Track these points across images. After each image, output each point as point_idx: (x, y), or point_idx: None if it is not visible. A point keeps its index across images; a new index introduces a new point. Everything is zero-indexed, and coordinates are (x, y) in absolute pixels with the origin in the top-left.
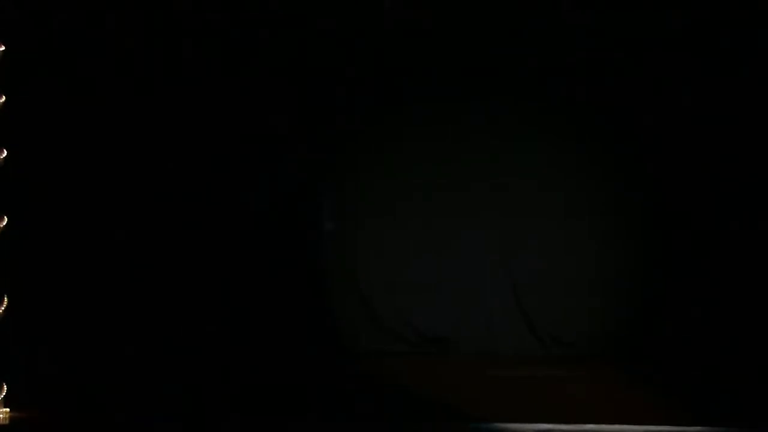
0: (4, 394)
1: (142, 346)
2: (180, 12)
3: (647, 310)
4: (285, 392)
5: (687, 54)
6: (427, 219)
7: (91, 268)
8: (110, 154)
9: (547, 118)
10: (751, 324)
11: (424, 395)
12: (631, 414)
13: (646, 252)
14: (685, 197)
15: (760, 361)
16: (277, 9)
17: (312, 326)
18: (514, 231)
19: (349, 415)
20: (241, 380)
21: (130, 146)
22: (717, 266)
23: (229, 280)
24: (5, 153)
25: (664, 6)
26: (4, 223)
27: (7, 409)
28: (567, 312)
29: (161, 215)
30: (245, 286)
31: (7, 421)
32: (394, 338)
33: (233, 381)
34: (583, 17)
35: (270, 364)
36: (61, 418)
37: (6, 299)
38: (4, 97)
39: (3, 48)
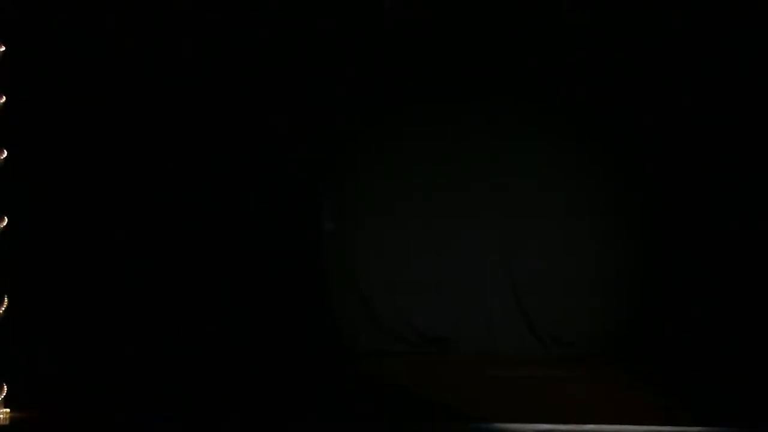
0: (4, 394)
1: (142, 346)
2: (180, 12)
3: (647, 310)
4: (285, 392)
5: (687, 54)
6: (427, 219)
7: (91, 268)
8: (110, 154)
9: (547, 118)
10: (751, 324)
11: (424, 395)
12: (631, 414)
13: (646, 252)
14: (685, 197)
15: (760, 361)
16: (277, 9)
17: (312, 326)
18: (514, 231)
19: (349, 415)
20: (241, 380)
21: (130, 146)
22: (717, 266)
23: (229, 280)
24: (5, 153)
25: (664, 6)
26: (4, 223)
27: (7, 409)
28: (567, 312)
29: (161, 215)
30: (245, 286)
31: (7, 421)
32: (394, 338)
33: (233, 381)
34: (583, 17)
35: (270, 364)
36: (61, 418)
37: (6, 299)
38: (4, 97)
39: (3, 48)
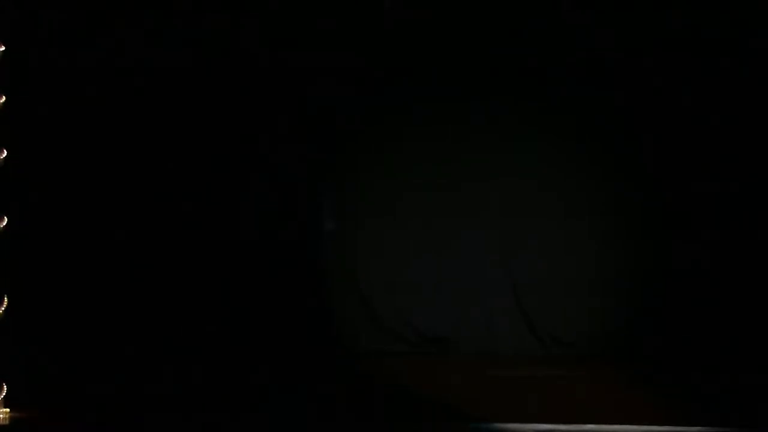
0: (4, 394)
1: (142, 346)
2: (180, 11)
3: (647, 310)
4: (285, 392)
5: (687, 54)
6: (427, 219)
7: (91, 268)
8: (110, 153)
9: (547, 118)
10: (751, 324)
11: (424, 395)
12: (631, 414)
13: (646, 252)
14: (685, 197)
15: (760, 361)
16: (277, 9)
17: (312, 326)
18: (514, 231)
19: (350, 415)
20: (241, 380)
21: (130, 146)
22: (717, 266)
23: (229, 279)
24: (5, 153)
25: (664, 6)
26: (4, 223)
27: (7, 409)
28: (567, 312)
29: (161, 215)
30: (245, 285)
31: (7, 421)
32: (394, 338)
33: (233, 381)
34: (583, 17)
35: (270, 364)
36: (61, 418)
37: (6, 299)
38: (4, 97)
39: (3, 48)
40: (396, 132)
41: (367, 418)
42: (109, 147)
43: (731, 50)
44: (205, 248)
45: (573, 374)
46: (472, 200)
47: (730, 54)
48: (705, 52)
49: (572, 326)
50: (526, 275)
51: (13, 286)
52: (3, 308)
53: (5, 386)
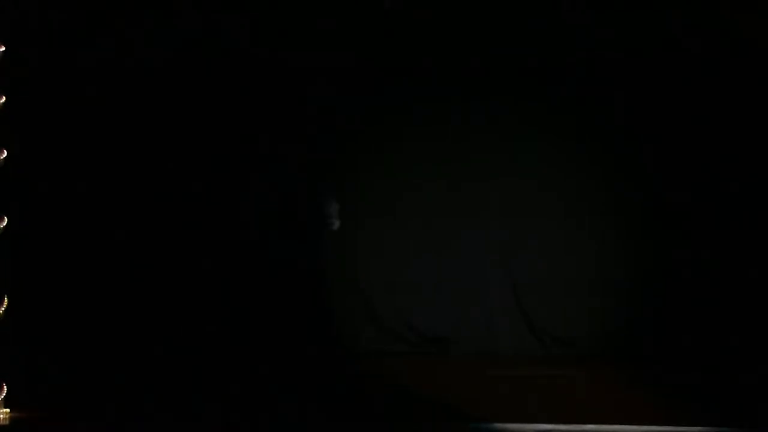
0: (4, 394)
1: (142, 346)
2: (180, 11)
3: (647, 310)
4: (285, 392)
5: (687, 54)
6: (427, 219)
7: (91, 268)
8: (110, 154)
9: (547, 118)
10: (751, 324)
11: (424, 395)
12: (631, 414)
13: (646, 252)
14: (685, 197)
15: (760, 361)
16: (277, 9)
17: (312, 326)
18: (514, 231)
19: (349, 415)
20: (241, 380)
21: (130, 146)
22: (717, 266)
23: (229, 280)
24: (5, 153)
25: (664, 6)
26: (4, 223)
27: (7, 409)
28: (567, 312)
29: (161, 215)
30: (245, 286)
31: (7, 421)
32: (394, 338)
33: (233, 381)
34: (583, 17)
35: (270, 364)
36: (61, 418)
37: (6, 299)
38: (4, 97)
39: (3, 48)
40: (396, 132)
41: (367, 418)
42: (109, 147)
43: (731, 50)
44: (205, 248)
45: (573, 374)
46: (472, 200)
47: (730, 54)
48: (705, 52)
49: (572, 326)
50: (526, 275)
51: (13, 286)
52: (3, 308)
53: (5, 386)
